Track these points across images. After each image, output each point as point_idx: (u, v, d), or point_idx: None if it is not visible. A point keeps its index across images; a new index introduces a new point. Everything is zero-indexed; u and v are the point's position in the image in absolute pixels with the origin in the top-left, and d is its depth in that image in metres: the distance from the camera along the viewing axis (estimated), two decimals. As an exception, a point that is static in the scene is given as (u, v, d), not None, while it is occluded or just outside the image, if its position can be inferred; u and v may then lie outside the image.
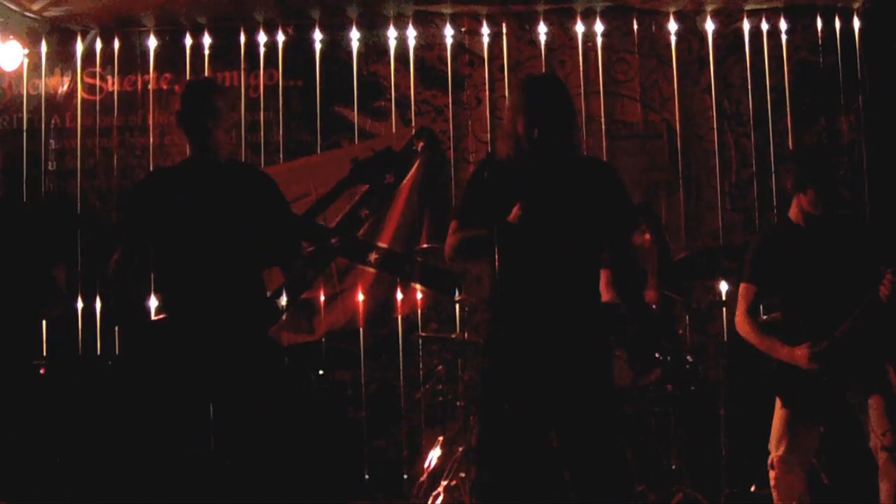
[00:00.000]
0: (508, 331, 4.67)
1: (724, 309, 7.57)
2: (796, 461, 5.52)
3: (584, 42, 8.56)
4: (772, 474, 5.59)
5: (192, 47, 8.72)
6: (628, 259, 4.94)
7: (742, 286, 5.71)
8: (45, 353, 8.28)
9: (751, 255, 5.70)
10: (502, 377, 4.65)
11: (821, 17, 8.48)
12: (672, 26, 8.50)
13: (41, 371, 6.78)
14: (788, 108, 8.43)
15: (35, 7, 8.24)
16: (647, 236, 7.12)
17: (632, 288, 5.05)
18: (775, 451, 5.55)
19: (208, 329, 4.93)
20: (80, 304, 8.48)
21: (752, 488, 6.65)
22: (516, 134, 4.71)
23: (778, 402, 5.56)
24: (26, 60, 8.65)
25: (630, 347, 6.32)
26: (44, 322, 8.24)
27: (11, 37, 8.33)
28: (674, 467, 6.72)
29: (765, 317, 6.36)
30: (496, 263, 4.56)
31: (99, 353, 8.45)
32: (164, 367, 5.01)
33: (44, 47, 8.78)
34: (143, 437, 5.88)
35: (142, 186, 5.51)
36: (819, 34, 8.49)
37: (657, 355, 6.49)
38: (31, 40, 8.66)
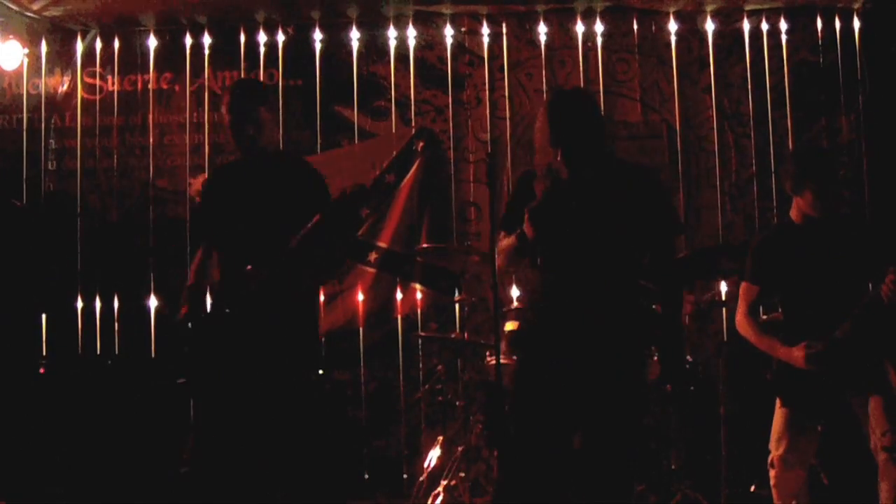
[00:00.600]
0: (543, 334, 4.73)
1: (724, 309, 7.55)
2: (796, 460, 5.50)
3: (584, 42, 8.57)
4: (772, 473, 5.58)
5: (192, 47, 8.72)
6: (668, 264, 4.93)
7: (743, 285, 5.70)
8: (44, 353, 8.33)
9: (752, 255, 5.70)
10: (534, 380, 4.69)
11: (821, 17, 8.48)
12: (672, 26, 8.51)
13: (41, 370, 6.79)
14: (788, 108, 8.43)
15: (35, 6, 8.25)
16: None
17: (670, 295, 5.02)
18: (775, 450, 5.55)
19: (254, 323, 5.09)
20: (79, 304, 8.50)
21: (752, 488, 6.64)
22: (547, 149, 4.75)
23: (778, 401, 5.56)
24: (26, 60, 8.66)
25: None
26: (43, 321, 8.30)
27: (11, 36, 8.35)
28: (673, 467, 6.72)
29: (765, 317, 6.36)
30: (534, 269, 4.72)
31: (98, 352, 8.46)
32: (198, 361, 5.28)
33: (44, 47, 8.78)
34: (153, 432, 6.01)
35: (206, 186, 5.73)
36: (819, 34, 8.50)
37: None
38: (31, 40, 8.68)
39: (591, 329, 4.62)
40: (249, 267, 4.99)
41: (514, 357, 5.00)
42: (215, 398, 5.24)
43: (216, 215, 5.40)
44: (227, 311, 5.15)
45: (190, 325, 5.27)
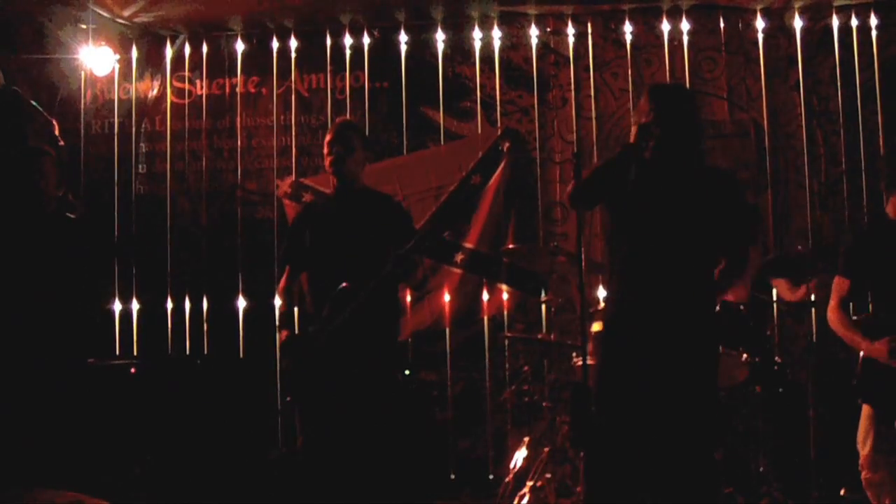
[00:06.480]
0: (623, 329, 4.77)
1: (813, 309, 7.46)
2: (883, 460, 5.48)
3: (670, 40, 8.50)
4: (863, 475, 5.56)
5: (279, 50, 8.82)
6: (741, 270, 4.94)
7: (836, 279, 5.70)
8: (135, 353, 8.48)
9: (846, 250, 5.70)
10: (616, 374, 4.71)
11: (911, 11, 8.35)
12: (759, 23, 8.40)
13: (132, 371, 6.90)
14: (879, 105, 8.26)
15: (126, 13, 8.39)
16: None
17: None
18: (862, 449, 5.54)
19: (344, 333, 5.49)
20: (169, 304, 8.63)
21: (842, 492, 6.57)
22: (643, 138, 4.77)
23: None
24: (117, 66, 8.84)
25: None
26: (134, 322, 8.47)
27: (103, 43, 8.49)
28: (762, 470, 6.66)
29: (855, 317, 6.29)
30: (617, 262, 4.83)
31: (188, 352, 8.58)
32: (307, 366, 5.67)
33: (134, 52, 8.95)
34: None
35: (301, 216, 6.30)
36: (911, 29, 8.36)
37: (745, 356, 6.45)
38: (122, 46, 8.84)
39: (673, 328, 4.62)
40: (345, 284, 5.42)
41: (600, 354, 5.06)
42: (319, 407, 5.63)
43: (312, 246, 5.81)
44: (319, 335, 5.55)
45: (293, 348, 5.75)
